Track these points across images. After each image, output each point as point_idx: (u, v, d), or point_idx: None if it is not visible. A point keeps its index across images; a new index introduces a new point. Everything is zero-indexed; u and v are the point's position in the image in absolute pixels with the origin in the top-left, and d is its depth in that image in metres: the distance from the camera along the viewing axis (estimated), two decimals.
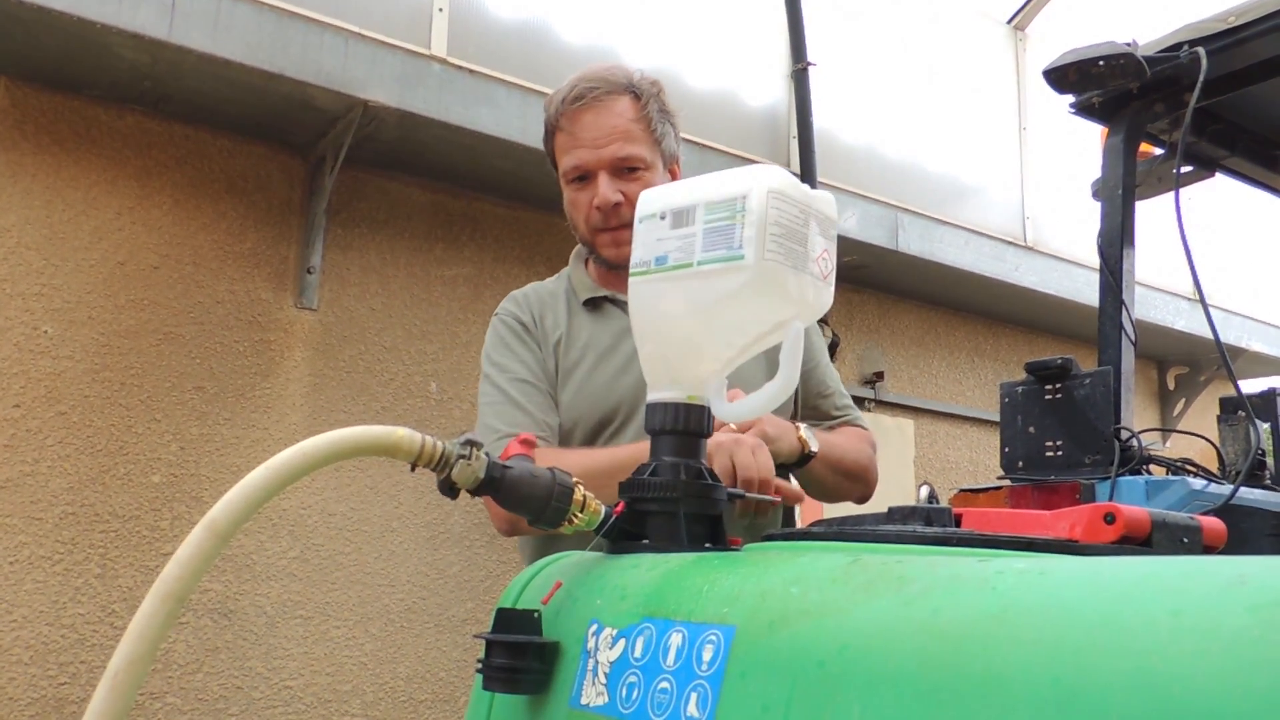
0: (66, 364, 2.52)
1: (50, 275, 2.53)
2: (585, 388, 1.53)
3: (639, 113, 1.52)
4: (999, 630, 0.55)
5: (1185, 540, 0.74)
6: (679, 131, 1.60)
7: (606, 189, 1.49)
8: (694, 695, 0.70)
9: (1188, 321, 4.40)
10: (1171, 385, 4.99)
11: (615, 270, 1.57)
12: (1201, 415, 4.74)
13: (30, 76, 2.53)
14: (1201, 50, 1.81)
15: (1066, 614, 0.53)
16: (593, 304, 1.59)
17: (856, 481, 1.59)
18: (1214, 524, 0.76)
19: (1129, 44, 1.87)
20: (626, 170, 1.50)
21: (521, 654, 0.86)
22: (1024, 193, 4.17)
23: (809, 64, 3.49)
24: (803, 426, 1.45)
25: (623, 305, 1.57)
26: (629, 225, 1.49)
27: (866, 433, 1.67)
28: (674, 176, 1.59)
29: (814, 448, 1.42)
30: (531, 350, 1.56)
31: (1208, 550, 0.76)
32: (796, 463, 1.43)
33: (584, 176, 1.52)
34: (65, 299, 2.54)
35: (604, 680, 0.78)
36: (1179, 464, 1.74)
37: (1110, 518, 0.71)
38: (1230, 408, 2.06)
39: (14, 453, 2.44)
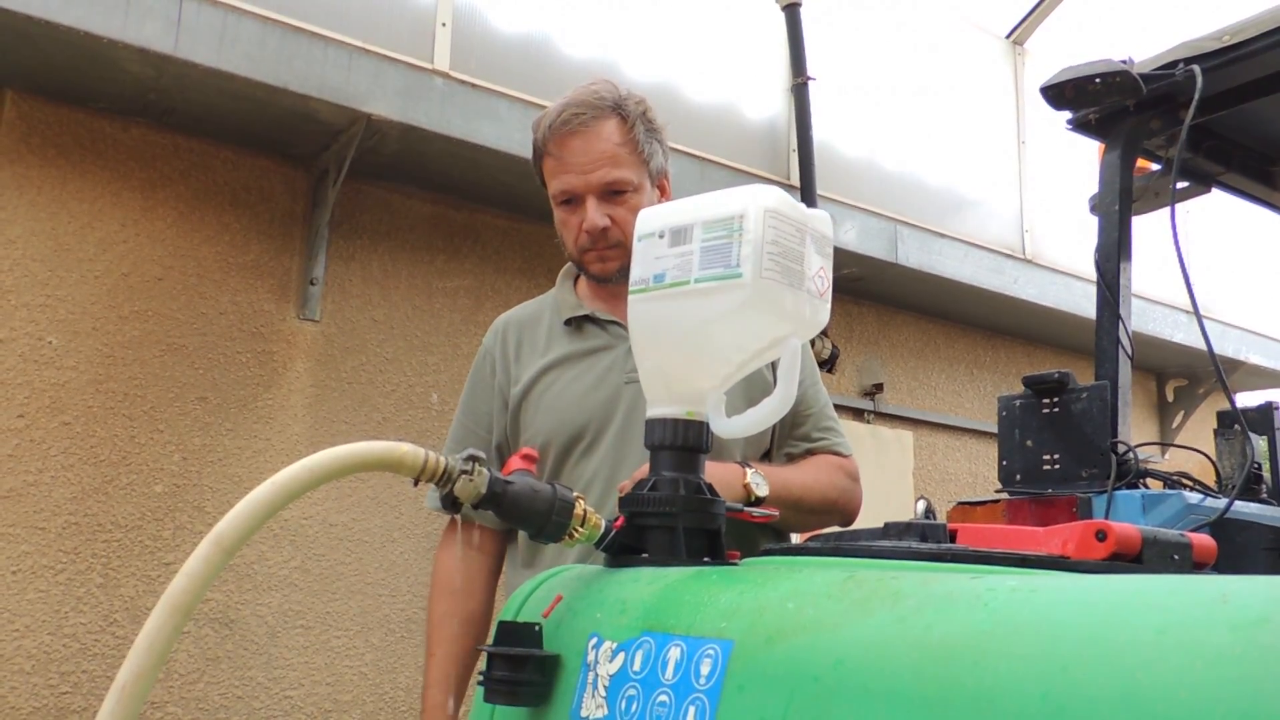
0: (70, 374, 2.54)
1: (55, 286, 2.55)
2: (555, 406, 1.55)
3: (626, 135, 1.53)
4: (990, 646, 0.56)
5: (1175, 557, 0.75)
6: (666, 146, 1.61)
7: (595, 214, 1.51)
8: (692, 709, 0.71)
9: (1186, 334, 4.41)
10: (1170, 397, 5.00)
11: (604, 284, 1.59)
12: (1200, 427, 4.75)
13: (36, 89, 2.55)
14: (1197, 68, 1.83)
15: (1056, 631, 0.54)
16: (572, 323, 1.61)
17: (825, 515, 1.55)
18: (1204, 541, 0.77)
19: (1125, 61, 1.89)
20: (614, 193, 1.52)
21: (522, 667, 0.87)
22: (1023, 206, 4.19)
23: (809, 78, 3.52)
24: (750, 471, 1.40)
25: (601, 324, 1.59)
26: (615, 245, 1.53)
27: (844, 461, 1.61)
28: (663, 191, 1.61)
29: (761, 493, 1.38)
30: (481, 392, 1.64)
31: (1198, 567, 0.77)
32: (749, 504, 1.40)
33: (572, 200, 1.54)
34: (70, 310, 2.56)
35: (604, 693, 0.79)
36: (1175, 478, 1.75)
37: (1102, 535, 0.73)
38: (1227, 421, 2.07)
39: (18, 462, 2.45)
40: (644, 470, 1.28)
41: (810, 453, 1.60)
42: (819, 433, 1.61)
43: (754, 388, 1.41)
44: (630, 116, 1.53)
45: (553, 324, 1.63)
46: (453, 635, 1.58)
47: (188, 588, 0.79)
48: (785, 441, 1.59)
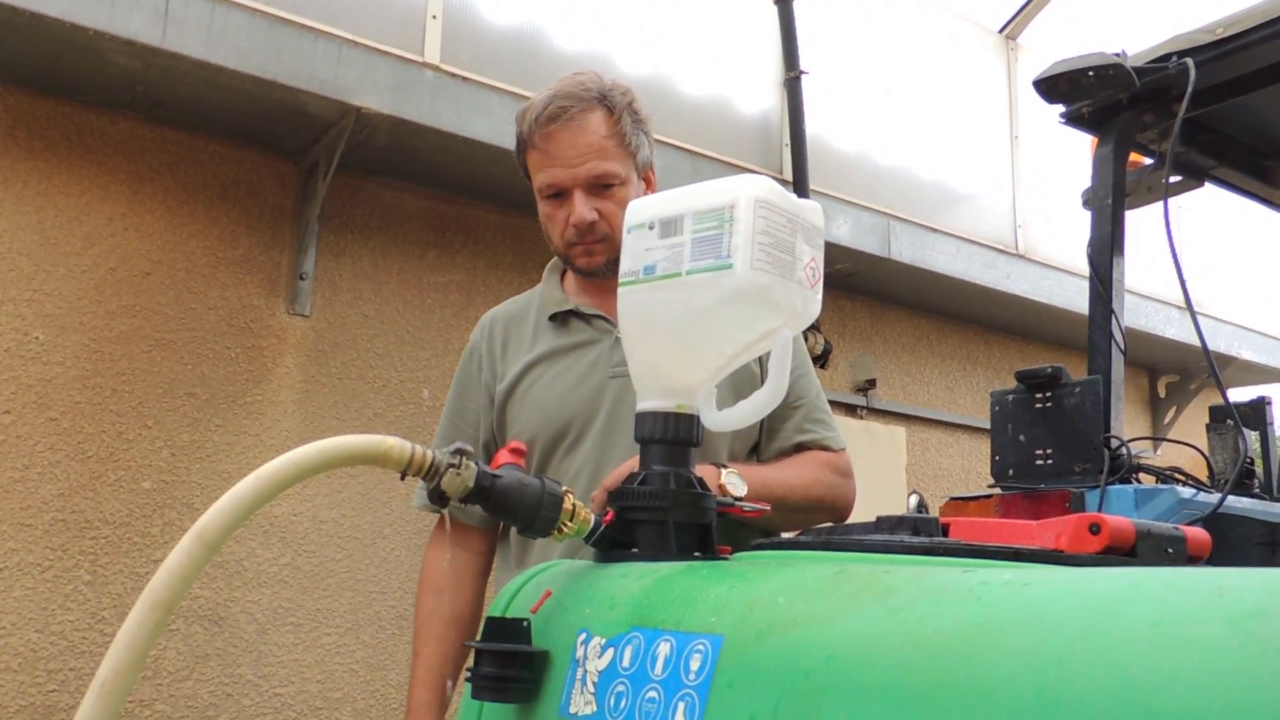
0: (57, 370, 2.52)
1: (41, 281, 2.52)
2: (539, 402, 1.54)
3: (612, 127, 1.51)
4: (983, 641, 0.55)
5: (1170, 550, 0.74)
6: (652, 137, 1.59)
7: (583, 207, 1.49)
8: (681, 705, 0.70)
9: (1178, 330, 4.42)
10: (1163, 393, 5.00)
11: (591, 278, 1.58)
12: (1193, 423, 4.76)
13: (23, 82, 2.52)
14: (1190, 61, 1.82)
15: (1049, 625, 0.53)
16: (556, 319, 1.59)
17: (812, 513, 1.51)
18: (1198, 534, 0.77)
19: (1118, 54, 1.88)
20: (601, 187, 1.50)
21: (510, 663, 0.86)
22: (1015, 200, 4.19)
23: (801, 72, 3.51)
24: (725, 471, 1.32)
25: (586, 318, 1.58)
26: (602, 238, 1.51)
27: (834, 456, 1.58)
28: (649, 183, 1.59)
29: (737, 493, 1.29)
30: (469, 390, 1.63)
31: (1192, 560, 0.76)
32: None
33: (559, 193, 1.52)
34: (56, 305, 2.53)
35: (592, 689, 0.78)
36: (1168, 472, 1.74)
37: (1095, 528, 0.72)
38: (1219, 416, 2.06)
39: (4, 459, 2.43)
40: (628, 465, 1.27)
41: (800, 447, 1.57)
42: (809, 425, 1.58)
43: (741, 381, 1.40)
44: (617, 108, 1.51)
45: (538, 319, 1.61)
46: (440, 634, 1.56)
47: (170, 583, 0.78)
48: (774, 435, 1.57)
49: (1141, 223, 2.10)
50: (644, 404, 0.98)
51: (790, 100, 3.51)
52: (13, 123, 2.53)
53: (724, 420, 0.98)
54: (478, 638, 0.90)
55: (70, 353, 2.54)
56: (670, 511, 0.94)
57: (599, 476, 1.39)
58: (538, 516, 0.93)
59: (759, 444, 1.58)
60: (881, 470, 3.99)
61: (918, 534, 0.81)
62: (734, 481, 1.31)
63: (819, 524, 1.50)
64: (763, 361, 1.48)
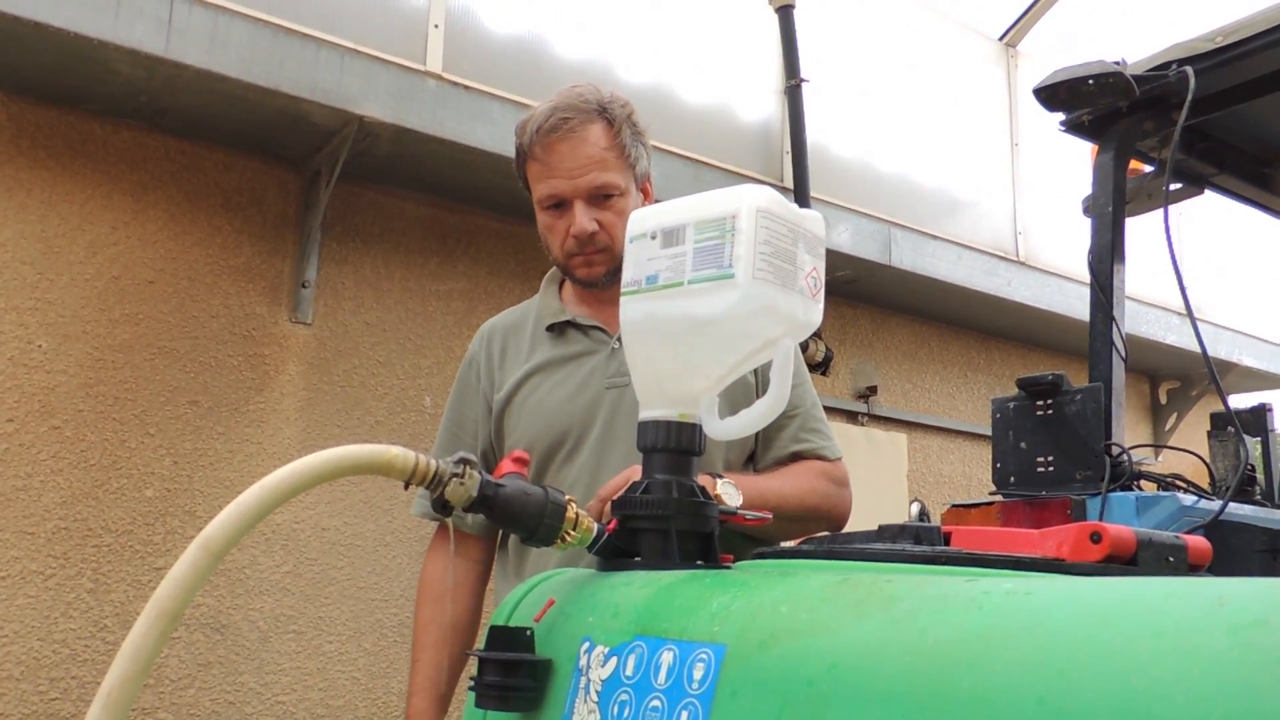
0: (60, 378, 2.52)
1: (45, 290, 2.53)
2: (536, 412, 1.55)
3: (612, 139, 1.52)
4: (985, 650, 0.56)
5: (1171, 559, 0.74)
6: (650, 149, 1.60)
7: (583, 218, 1.50)
8: (685, 713, 0.70)
9: (1179, 336, 4.42)
10: (1163, 400, 5.00)
11: (590, 289, 1.59)
12: (1194, 429, 4.76)
13: (26, 91, 2.53)
14: (1190, 69, 1.83)
15: (1051, 634, 0.54)
16: (554, 329, 1.60)
17: (808, 522, 1.50)
18: (1199, 543, 0.77)
19: (1118, 63, 1.89)
20: (602, 197, 1.51)
21: (514, 671, 0.86)
22: (1016, 208, 4.19)
23: (802, 80, 3.52)
24: (721, 481, 1.26)
25: (583, 329, 1.59)
26: (602, 249, 1.52)
27: (830, 465, 1.58)
28: (646, 194, 1.60)
29: (733, 503, 1.22)
30: (467, 399, 1.64)
31: (1193, 569, 0.77)
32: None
33: (559, 204, 1.53)
34: (59, 313, 2.54)
35: (596, 698, 0.79)
36: (1169, 480, 1.74)
37: (1096, 537, 0.72)
38: (1220, 423, 2.07)
39: (7, 467, 2.43)
40: (628, 474, 1.26)
41: (796, 456, 1.57)
42: (805, 434, 1.58)
43: (735, 391, 1.40)
44: (616, 120, 1.53)
45: (536, 330, 1.62)
46: (438, 642, 1.57)
47: (174, 593, 0.78)
48: (770, 444, 1.57)
49: (1142, 230, 2.10)
50: (646, 413, 0.98)
51: (791, 108, 3.52)
52: (16, 131, 2.54)
53: (726, 429, 0.98)
54: (480, 646, 0.90)
55: (73, 361, 2.54)
56: (673, 520, 0.95)
57: (595, 486, 1.39)
58: (541, 525, 0.94)
59: (755, 453, 1.58)
60: (883, 477, 3.99)
61: (919, 543, 0.81)
62: (729, 491, 1.29)
63: (813, 533, 1.51)
64: (759, 371, 1.49)
